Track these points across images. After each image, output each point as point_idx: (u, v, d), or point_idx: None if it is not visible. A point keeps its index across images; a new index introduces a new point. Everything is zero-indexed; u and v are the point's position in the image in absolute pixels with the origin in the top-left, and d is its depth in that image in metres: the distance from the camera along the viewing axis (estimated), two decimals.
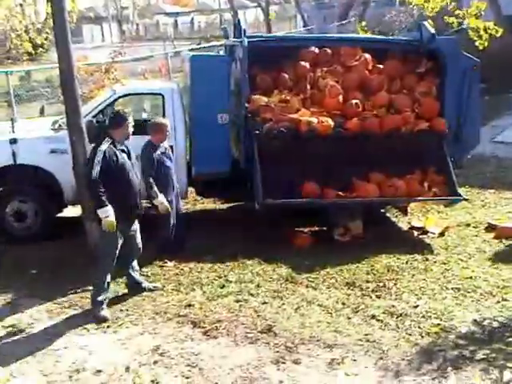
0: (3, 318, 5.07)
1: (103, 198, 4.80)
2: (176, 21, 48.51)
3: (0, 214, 6.69)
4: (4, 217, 6.70)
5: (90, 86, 10.45)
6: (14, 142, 6.63)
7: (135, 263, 5.48)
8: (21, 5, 10.85)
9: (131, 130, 5.17)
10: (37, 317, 5.08)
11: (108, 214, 4.80)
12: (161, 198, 5.90)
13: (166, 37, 34.55)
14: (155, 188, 5.89)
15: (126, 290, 5.48)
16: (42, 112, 8.89)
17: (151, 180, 5.88)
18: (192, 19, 50.21)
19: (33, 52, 10.81)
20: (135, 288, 5.44)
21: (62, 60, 5.92)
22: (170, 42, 29.15)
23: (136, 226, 5.30)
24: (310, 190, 6.51)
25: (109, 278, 5.08)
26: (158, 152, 6.03)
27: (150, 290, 5.44)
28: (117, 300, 5.28)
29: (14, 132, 6.89)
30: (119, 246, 5.05)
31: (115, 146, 4.99)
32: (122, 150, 5.07)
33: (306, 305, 5.11)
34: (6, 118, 8.86)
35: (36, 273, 5.94)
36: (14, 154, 6.59)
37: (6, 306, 5.31)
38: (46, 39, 10.37)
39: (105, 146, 4.90)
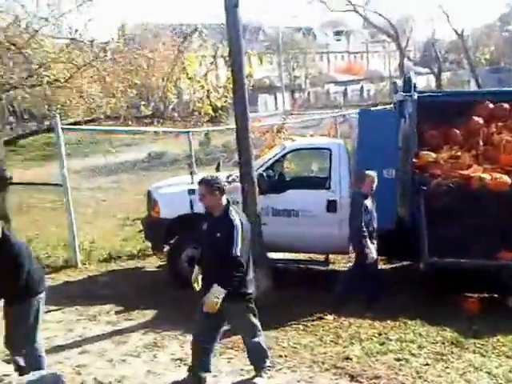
0: (173, 351, 5.33)
1: None
2: (346, 89, 49.71)
3: (176, 261, 7.24)
4: (179, 263, 7.21)
5: (261, 147, 11.06)
6: (191, 192, 7.23)
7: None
8: (205, 74, 11.77)
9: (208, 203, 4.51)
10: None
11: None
12: (372, 247, 6.17)
13: (335, 104, 35.51)
14: (367, 238, 6.14)
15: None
16: (218, 168, 9.62)
17: (364, 227, 6.13)
18: (362, 87, 51.05)
19: (213, 114, 11.71)
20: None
21: (238, 118, 6.54)
22: (339, 109, 29.85)
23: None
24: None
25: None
26: (368, 201, 6.28)
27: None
28: (276, 346, 5.35)
29: (192, 183, 7.55)
30: None
31: (209, 214, 4.61)
32: (215, 220, 4.49)
33: (472, 370, 4.76)
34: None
35: None
36: (191, 203, 7.20)
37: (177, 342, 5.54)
38: (225, 102, 11.22)
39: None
